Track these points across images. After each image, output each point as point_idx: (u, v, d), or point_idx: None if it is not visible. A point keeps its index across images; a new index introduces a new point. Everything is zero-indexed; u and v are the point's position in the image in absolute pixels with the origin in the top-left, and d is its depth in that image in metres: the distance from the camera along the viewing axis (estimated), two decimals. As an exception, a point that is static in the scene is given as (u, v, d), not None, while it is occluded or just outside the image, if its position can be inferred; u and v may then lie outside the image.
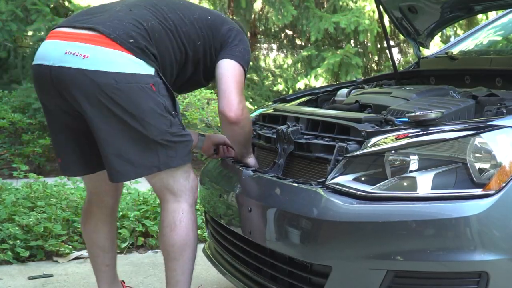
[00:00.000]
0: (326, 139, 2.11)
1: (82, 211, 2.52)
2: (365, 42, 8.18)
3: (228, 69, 2.25)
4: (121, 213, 3.69)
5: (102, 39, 2.04)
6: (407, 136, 1.88)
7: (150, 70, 2.08)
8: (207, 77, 2.38)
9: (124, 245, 3.55)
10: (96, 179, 2.34)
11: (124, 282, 2.63)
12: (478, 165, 1.75)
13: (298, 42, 9.08)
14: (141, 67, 2.06)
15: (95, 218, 2.44)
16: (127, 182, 3.68)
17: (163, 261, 2.29)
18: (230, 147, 2.60)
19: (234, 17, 8.40)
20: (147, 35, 2.11)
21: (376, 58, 8.86)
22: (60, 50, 2.05)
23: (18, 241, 3.34)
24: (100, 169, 2.24)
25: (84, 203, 2.50)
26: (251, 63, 7.87)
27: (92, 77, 2.00)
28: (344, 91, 2.82)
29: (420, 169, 1.81)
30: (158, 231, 2.32)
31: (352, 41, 8.31)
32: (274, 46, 9.51)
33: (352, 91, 2.80)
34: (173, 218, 2.22)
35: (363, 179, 1.89)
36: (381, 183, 1.82)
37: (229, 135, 2.38)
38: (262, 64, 9.14)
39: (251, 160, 2.44)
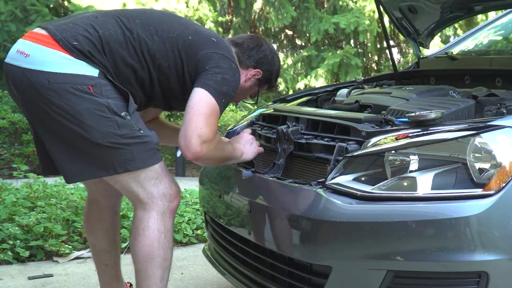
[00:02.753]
0: (326, 139, 2.11)
1: (83, 210, 2.52)
2: (365, 42, 8.18)
3: (195, 99, 2.07)
4: (121, 213, 3.69)
5: (47, 39, 2.00)
6: (407, 136, 1.88)
7: (91, 72, 1.99)
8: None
9: (124, 245, 3.55)
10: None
11: (131, 285, 2.61)
12: (478, 165, 1.75)
13: (298, 42, 9.08)
14: (79, 68, 1.98)
15: (92, 218, 2.42)
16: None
17: None
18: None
19: (237, 18, 8.39)
20: (97, 42, 2.03)
21: (376, 58, 8.87)
22: (15, 48, 2.04)
23: (18, 241, 3.34)
24: None
25: (85, 203, 2.50)
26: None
27: (29, 76, 1.97)
28: (344, 91, 2.81)
29: (420, 169, 1.81)
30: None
31: (352, 41, 8.31)
32: (274, 46, 9.51)
33: (352, 91, 2.79)
34: (137, 226, 2.10)
35: (363, 179, 1.89)
36: (381, 183, 1.82)
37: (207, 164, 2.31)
38: (262, 64, 9.12)
39: (246, 156, 2.31)
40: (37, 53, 1.98)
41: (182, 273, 3.20)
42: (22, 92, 2.01)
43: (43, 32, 2.03)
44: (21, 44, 2.03)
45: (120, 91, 2.04)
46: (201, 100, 2.07)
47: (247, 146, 2.32)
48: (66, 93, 1.95)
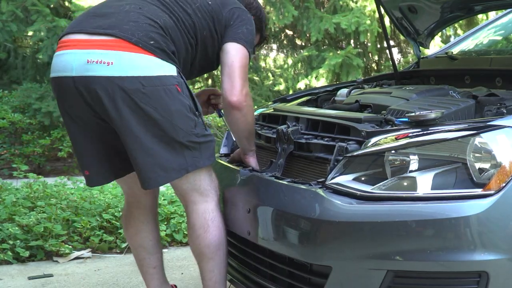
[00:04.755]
0: (326, 139, 2.11)
1: (122, 215, 2.49)
2: (366, 42, 8.18)
3: (231, 53, 2.20)
4: (121, 213, 3.68)
5: (123, 44, 2.00)
6: (407, 136, 1.87)
7: (172, 71, 2.06)
8: (216, 61, 2.32)
9: (124, 245, 3.55)
10: (130, 181, 2.29)
11: (176, 286, 2.59)
12: (478, 165, 1.75)
13: (298, 42, 9.08)
14: (164, 69, 2.04)
15: (136, 220, 2.40)
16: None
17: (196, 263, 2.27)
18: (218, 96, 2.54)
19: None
20: (163, 33, 2.07)
21: (376, 58, 8.86)
22: (82, 60, 1.99)
23: (18, 241, 3.34)
24: (127, 173, 2.21)
25: (123, 207, 2.46)
26: (251, 63, 7.91)
27: (119, 84, 1.97)
28: (344, 91, 2.81)
29: (420, 169, 1.81)
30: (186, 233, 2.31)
31: (352, 41, 8.31)
32: (274, 46, 9.51)
33: (352, 91, 2.79)
34: (205, 219, 2.19)
35: (363, 179, 1.89)
36: (381, 183, 1.82)
37: (231, 123, 2.27)
38: (262, 64, 9.13)
39: (252, 161, 2.38)
40: (123, 60, 1.98)
41: (182, 273, 3.20)
42: (106, 99, 1.97)
43: (108, 38, 2.00)
44: (88, 54, 1.99)
45: (189, 89, 2.12)
46: (237, 53, 2.20)
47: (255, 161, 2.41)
48: (160, 95, 2.00)
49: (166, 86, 2.02)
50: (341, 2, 7.93)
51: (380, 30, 7.47)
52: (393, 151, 1.85)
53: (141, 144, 2.03)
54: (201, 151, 2.12)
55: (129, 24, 2.04)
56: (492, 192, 1.71)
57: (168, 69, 2.05)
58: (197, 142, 2.10)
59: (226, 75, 2.18)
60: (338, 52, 7.65)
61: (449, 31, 8.25)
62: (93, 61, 1.98)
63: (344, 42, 8.43)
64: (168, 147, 2.05)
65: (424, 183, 1.77)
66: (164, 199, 3.98)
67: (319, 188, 1.92)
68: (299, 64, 8.44)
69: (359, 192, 1.82)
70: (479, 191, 1.72)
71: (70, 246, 3.46)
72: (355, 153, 1.93)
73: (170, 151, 2.06)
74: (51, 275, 3.12)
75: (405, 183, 1.80)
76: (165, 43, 2.06)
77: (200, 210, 2.19)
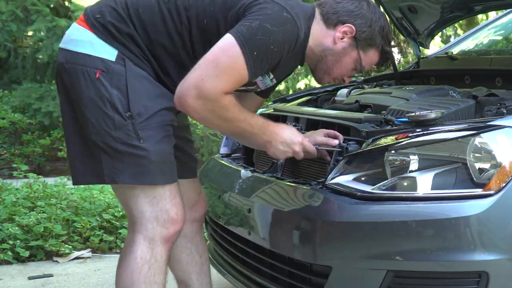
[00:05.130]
0: (326, 139, 2.11)
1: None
2: (365, 42, 8.17)
3: (216, 45, 1.71)
4: (121, 213, 3.69)
5: (80, 17, 1.84)
6: (407, 136, 1.87)
7: (107, 53, 1.73)
8: None
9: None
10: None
11: None
12: (478, 165, 1.75)
13: (298, 42, 9.06)
14: (96, 48, 1.74)
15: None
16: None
17: None
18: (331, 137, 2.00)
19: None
20: (123, 11, 1.77)
21: (376, 58, 8.85)
22: None
23: (18, 241, 3.34)
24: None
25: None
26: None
27: (58, 55, 1.82)
28: (344, 91, 2.81)
29: (420, 169, 1.80)
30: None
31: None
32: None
33: (352, 91, 2.79)
34: (124, 250, 1.84)
35: (363, 179, 1.89)
36: (381, 183, 1.82)
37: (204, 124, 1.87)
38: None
39: (274, 135, 1.86)
40: (69, 31, 1.83)
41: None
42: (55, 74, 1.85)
43: None
44: None
45: (143, 81, 1.75)
46: (221, 46, 1.69)
47: (288, 142, 1.88)
48: (75, 76, 1.73)
49: (86, 67, 1.72)
50: (341, 2, 7.92)
51: (380, 30, 7.46)
52: (393, 151, 1.85)
53: (64, 129, 1.83)
54: (124, 164, 1.73)
55: None
56: (492, 192, 1.71)
57: (102, 51, 1.74)
58: (116, 150, 1.72)
59: (196, 64, 1.72)
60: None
61: (449, 31, 8.25)
62: None
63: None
64: (84, 143, 1.77)
65: (424, 183, 1.77)
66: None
67: (319, 188, 1.92)
68: (299, 64, 8.43)
69: (359, 192, 1.82)
70: (479, 191, 1.72)
71: (70, 246, 3.46)
72: (355, 153, 1.93)
73: (86, 149, 1.77)
74: (51, 275, 3.12)
75: (405, 183, 1.80)
76: (116, 21, 1.76)
77: (127, 237, 1.84)
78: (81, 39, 1.77)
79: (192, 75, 1.69)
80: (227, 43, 1.68)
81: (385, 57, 1.99)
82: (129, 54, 1.76)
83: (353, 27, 1.87)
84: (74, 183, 1.85)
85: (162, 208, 1.79)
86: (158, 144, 1.76)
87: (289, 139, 1.88)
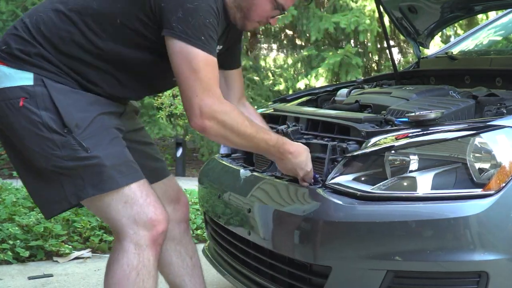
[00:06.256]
0: (326, 139, 2.11)
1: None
2: (365, 42, 8.17)
3: (173, 59, 1.68)
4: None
5: None
6: (407, 136, 1.88)
7: (25, 79, 1.70)
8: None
9: (124, 245, 3.55)
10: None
11: None
12: (478, 165, 1.75)
13: (298, 42, 9.07)
14: (12, 79, 1.70)
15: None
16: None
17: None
18: None
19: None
20: (25, 34, 1.73)
21: (376, 58, 8.86)
22: None
23: (18, 241, 3.34)
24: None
25: None
26: (250, 63, 7.90)
27: None
28: (344, 91, 2.81)
29: (420, 169, 1.81)
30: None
31: (352, 41, 8.31)
32: (274, 46, 9.51)
33: (352, 91, 2.79)
34: (110, 258, 1.79)
35: (363, 179, 1.89)
36: (381, 183, 1.82)
37: (223, 143, 1.88)
38: (262, 64, 9.13)
39: (291, 154, 1.88)
40: None
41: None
42: None
43: None
44: None
45: (69, 94, 1.71)
46: (179, 58, 1.67)
47: (301, 166, 1.90)
48: (3, 113, 1.70)
49: (8, 100, 1.68)
50: (341, 2, 7.92)
51: (380, 30, 7.47)
52: (393, 151, 1.85)
53: (16, 170, 1.80)
54: (84, 178, 1.69)
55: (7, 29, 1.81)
56: (492, 192, 1.71)
57: (18, 79, 1.70)
58: (69, 168, 1.68)
59: (180, 90, 1.72)
60: (338, 51, 7.65)
61: (449, 31, 8.25)
62: None
63: (344, 42, 8.43)
64: (37, 175, 1.73)
65: (424, 183, 1.77)
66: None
67: (319, 188, 1.92)
68: (299, 64, 8.44)
69: (359, 192, 1.82)
70: (479, 191, 1.72)
71: (70, 246, 3.46)
72: (355, 153, 1.93)
73: (41, 179, 1.73)
74: (51, 275, 3.12)
75: (405, 183, 1.80)
76: (23, 45, 1.72)
77: (115, 247, 1.78)
78: None
79: (187, 99, 1.69)
80: (181, 49, 1.66)
81: None
82: (45, 73, 1.72)
83: None
84: (47, 217, 1.82)
85: (138, 210, 1.74)
86: (106, 148, 1.72)
87: (302, 164, 1.91)
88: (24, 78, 1.70)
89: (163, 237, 1.79)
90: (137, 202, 1.73)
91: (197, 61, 1.67)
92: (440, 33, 7.05)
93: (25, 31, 1.74)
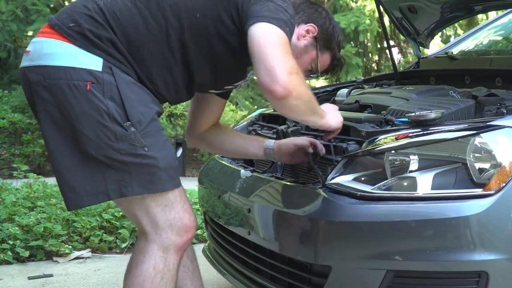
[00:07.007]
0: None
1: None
2: (365, 42, 8.18)
3: (255, 35, 1.65)
4: (120, 213, 3.69)
5: (46, 29, 1.70)
6: (407, 136, 1.88)
7: (94, 64, 1.64)
8: (241, 57, 1.79)
9: (124, 245, 3.55)
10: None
11: None
12: (478, 165, 1.75)
13: (298, 42, 9.07)
14: (79, 59, 1.64)
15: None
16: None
17: None
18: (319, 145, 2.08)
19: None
20: (98, 16, 1.68)
21: (376, 58, 8.86)
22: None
23: (18, 241, 3.34)
24: None
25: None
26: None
27: (28, 75, 1.67)
28: (344, 91, 2.81)
29: (420, 169, 1.80)
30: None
31: (352, 41, 8.31)
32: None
33: (352, 91, 2.79)
34: (134, 257, 1.78)
35: (363, 179, 1.89)
36: (381, 183, 1.82)
37: (289, 114, 1.78)
38: (262, 64, 9.13)
39: (330, 120, 1.89)
40: (37, 47, 1.69)
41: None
42: (26, 94, 1.72)
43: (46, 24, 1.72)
44: (29, 44, 1.74)
45: (133, 87, 1.68)
46: (265, 32, 1.64)
47: (333, 113, 1.92)
48: (61, 91, 1.63)
49: (72, 80, 1.62)
50: (341, 2, 7.93)
51: (380, 30, 7.48)
52: (393, 151, 1.85)
53: (50, 153, 1.69)
54: (132, 175, 1.67)
55: (66, 8, 1.74)
56: (492, 192, 1.70)
57: (86, 61, 1.64)
58: (120, 161, 1.66)
59: (256, 63, 1.63)
60: (338, 51, 7.65)
61: (449, 31, 8.26)
62: (25, 52, 1.72)
63: (344, 42, 8.43)
64: (81, 163, 1.67)
65: (424, 183, 1.77)
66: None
67: (319, 188, 1.92)
68: (299, 64, 8.44)
69: (359, 192, 1.82)
70: (479, 191, 1.72)
71: (70, 246, 3.46)
72: (355, 153, 1.93)
73: (83, 167, 1.67)
74: (51, 275, 3.12)
75: (405, 183, 1.80)
76: (96, 27, 1.67)
77: (137, 246, 1.78)
78: (58, 52, 1.65)
79: (269, 65, 1.61)
80: (268, 27, 1.65)
81: (335, 64, 2.06)
82: (113, 60, 1.68)
83: (316, 27, 1.96)
84: (70, 208, 1.76)
85: (176, 216, 1.77)
86: (162, 149, 1.73)
87: (331, 107, 1.97)
88: (93, 62, 1.65)
89: (188, 244, 1.83)
90: (176, 208, 1.76)
91: (284, 41, 1.66)
92: (440, 33, 7.06)
93: (98, 13, 1.69)
